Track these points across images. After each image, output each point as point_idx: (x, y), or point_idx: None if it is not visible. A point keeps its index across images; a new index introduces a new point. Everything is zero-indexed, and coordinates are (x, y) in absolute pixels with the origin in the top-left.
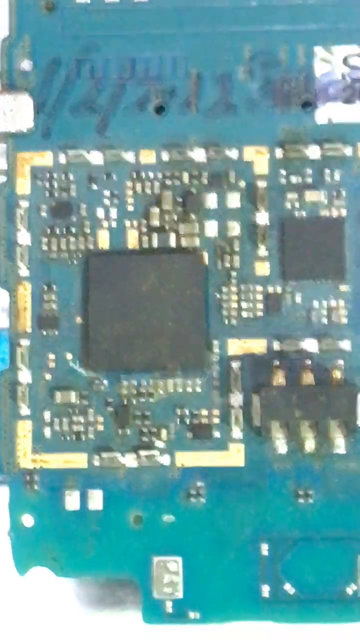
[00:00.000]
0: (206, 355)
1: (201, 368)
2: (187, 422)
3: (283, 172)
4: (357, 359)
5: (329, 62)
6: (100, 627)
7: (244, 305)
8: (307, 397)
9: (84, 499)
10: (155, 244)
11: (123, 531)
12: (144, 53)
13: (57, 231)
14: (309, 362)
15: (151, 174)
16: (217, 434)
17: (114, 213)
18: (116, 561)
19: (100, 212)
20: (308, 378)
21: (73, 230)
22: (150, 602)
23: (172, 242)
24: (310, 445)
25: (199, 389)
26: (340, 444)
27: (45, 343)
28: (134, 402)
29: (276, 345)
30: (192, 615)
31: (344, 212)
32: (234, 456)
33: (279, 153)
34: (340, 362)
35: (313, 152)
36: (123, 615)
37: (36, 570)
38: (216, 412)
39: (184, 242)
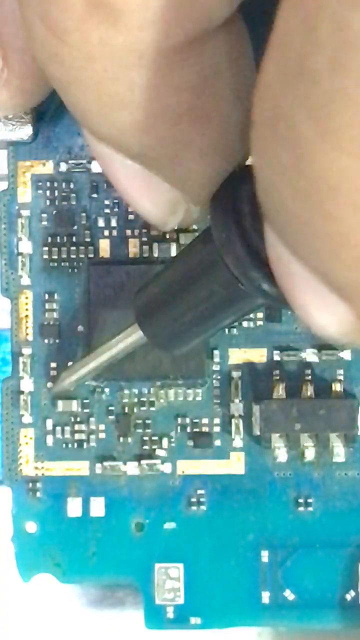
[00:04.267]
0: (207, 364)
1: (202, 377)
2: (188, 430)
3: None
4: (357, 369)
5: None
6: (101, 630)
7: None
8: (307, 410)
9: (86, 506)
10: (155, 253)
11: (125, 538)
12: None
13: (59, 240)
14: (308, 372)
15: None
16: (217, 443)
17: (114, 222)
18: (118, 567)
19: (101, 221)
20: (308, 390)
21: (74, 239)
22: (152, 608)
23: (173, 252)
24: (310, 454)
25: (199, 398)
26: (339, 453)
27: (46, 351)
28: (135, 410)
29: (276, 356)
30: (193, 620)
31: None
32: (235, 464)
33: None
34: (341, 372)
35: None
36: (123, 617)
37: (40, 577)
38: (217, 420)
39: None
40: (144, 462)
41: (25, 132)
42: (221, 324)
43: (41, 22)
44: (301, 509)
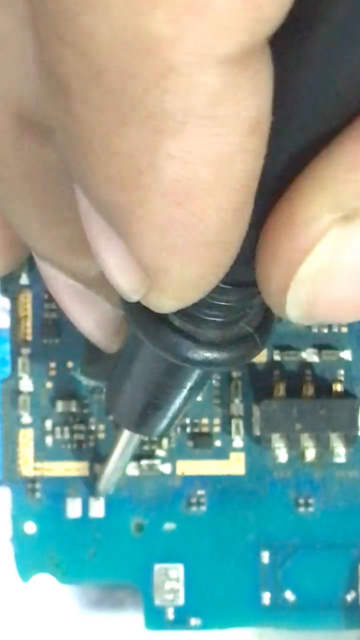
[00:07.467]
0: None
1: None
2: (188, 430)
3: None
4: (357, 369)
5: None
6: (100, 631)
7: None
8: (307, 410)
9: (85, 506)
10: None
11: (124, 539)
12: None
13: None
14: (308, 372)
15: None
16: (217, 443)
17: None
18: (118, 568)
19: None
20: (308, 390)
21: None
22: (151, 609)
23: None
24: (310, 454)
25: (199, 398)
26: (340, 454)
27: (46, 351)
28: None
29: (276, 356)
30: (193, 621)
31: None
32: (235, 465)
33: None
34: (341, 372)
35: None
36: (123, 618)
37: (39, 577)
38: (217, 420)
39: None
40: (143, 462)
41: None
42: (177, 398)
43: None
44: (301, 509)
